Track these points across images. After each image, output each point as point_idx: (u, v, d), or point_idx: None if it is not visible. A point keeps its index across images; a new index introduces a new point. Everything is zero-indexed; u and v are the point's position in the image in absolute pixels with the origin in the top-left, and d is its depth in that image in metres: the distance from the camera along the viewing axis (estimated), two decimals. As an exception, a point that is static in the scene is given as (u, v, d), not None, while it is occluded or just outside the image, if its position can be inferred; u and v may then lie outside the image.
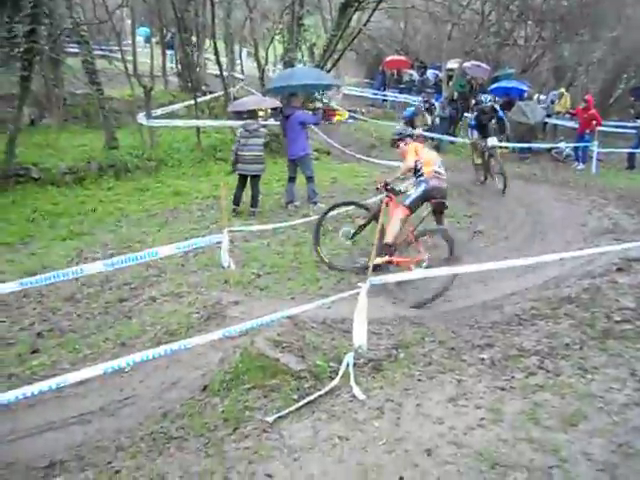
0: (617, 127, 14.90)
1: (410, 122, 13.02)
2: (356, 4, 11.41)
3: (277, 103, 11.74)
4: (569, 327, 3.78)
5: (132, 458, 2.79)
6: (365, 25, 13.32)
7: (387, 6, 15.61)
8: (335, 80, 11.68)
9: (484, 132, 10.33)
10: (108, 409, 3.39)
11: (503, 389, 3.03)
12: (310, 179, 8.50)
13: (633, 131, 13.37)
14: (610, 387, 2.90)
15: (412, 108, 14.46)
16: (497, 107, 10.72)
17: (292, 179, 8.63)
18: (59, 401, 3.58)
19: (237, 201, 8.20)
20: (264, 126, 9.22)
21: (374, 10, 12.46)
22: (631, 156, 12.62)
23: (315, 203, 8.21)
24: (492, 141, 10.06)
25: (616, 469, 2.26)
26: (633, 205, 8.08)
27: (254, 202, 8.23)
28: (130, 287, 5.49)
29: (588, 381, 3.01)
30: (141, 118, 11.38)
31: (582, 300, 4.18)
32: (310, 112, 9.77)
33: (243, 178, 8.27)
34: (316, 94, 13.63)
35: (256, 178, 8.28)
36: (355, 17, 12.99)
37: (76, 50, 12.10)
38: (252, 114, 8.75)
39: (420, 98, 16.99)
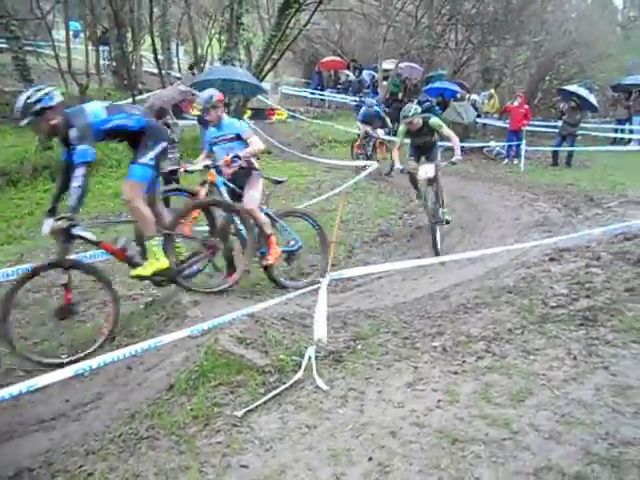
0: (541, 126, 15.93)
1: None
2: (296, 5, 11.53)
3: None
4: (510, 313, 4.06)
5: (103, 460, 2.79)
6: (305, 26, 13.45)
7: (326, 8, 15.82)
8: (260, 83, 11.95)
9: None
10: (72, 414, 3.35)
11: (456, 373, 3.26)
12: None
13: (556, 130, 14.33)
14: (551, 366, 3.18)
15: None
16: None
17: None
18: (16, 409, 3.50)
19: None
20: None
21: (314, 11, 12.63)
22: (555, 154, 13.51)
23: None
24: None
25: (560, 437, 2.52)
26: (559, 200, 8.71)
27: None
28: (79, 291, 5.36)
29: (531, 361, 3.28)
30: (76, 117, 10.97)
31: (520, 288, 4.50)
32: None
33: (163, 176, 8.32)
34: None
35: (173, 175, 8.34)
36: (294, 18, 13.09)
37: (2, 45, 11.51)
38: (161, 112, 8.66)
39: (357, 98, 17.45)
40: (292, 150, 14.12)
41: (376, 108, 12.99)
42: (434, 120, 7.15)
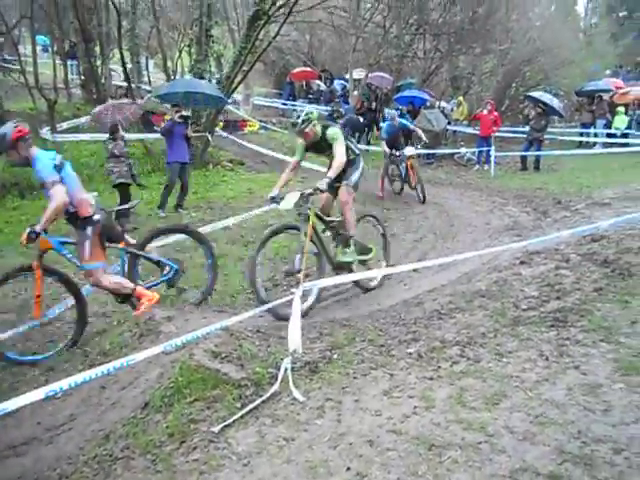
0: (509, 132, 16.29)
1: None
2: (265, 17, 11.60)
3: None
4: (483, 317, 4.12)
5: (77, 484, 2.74)
6: (275, 38, 13.53)
7: (295, 19, 15.96)
8: (222, 95, 11.94)
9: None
10: (44, 438, 3.27)
11: (431, 378, 3.28)
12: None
13: (524, 135, 14.65)
14: (523, 367, 3.23)
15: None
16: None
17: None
18: (-15, 435, 3.40)
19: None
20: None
21: (283, 23, 12.72)
22: (523, 158, 13.81)
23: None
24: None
25: (534, 437, 2.56)
26: (529, 204, 8.90)
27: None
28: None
29: (504, 364, 3.32)
30: (45, 133, 10.82)
31: (492, 292, 4.58)
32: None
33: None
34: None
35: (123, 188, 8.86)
36: (263, 29, 13.17)
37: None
38: (115, 127, 9.12)
39: (329, 108, 17.57)
40: (265, 161, 14.11)
41: (402, 121, 11.02)
42: (331, 131, 5.27)
